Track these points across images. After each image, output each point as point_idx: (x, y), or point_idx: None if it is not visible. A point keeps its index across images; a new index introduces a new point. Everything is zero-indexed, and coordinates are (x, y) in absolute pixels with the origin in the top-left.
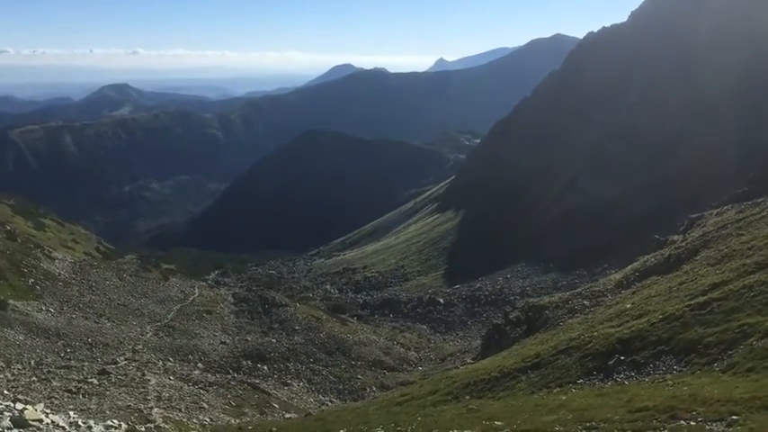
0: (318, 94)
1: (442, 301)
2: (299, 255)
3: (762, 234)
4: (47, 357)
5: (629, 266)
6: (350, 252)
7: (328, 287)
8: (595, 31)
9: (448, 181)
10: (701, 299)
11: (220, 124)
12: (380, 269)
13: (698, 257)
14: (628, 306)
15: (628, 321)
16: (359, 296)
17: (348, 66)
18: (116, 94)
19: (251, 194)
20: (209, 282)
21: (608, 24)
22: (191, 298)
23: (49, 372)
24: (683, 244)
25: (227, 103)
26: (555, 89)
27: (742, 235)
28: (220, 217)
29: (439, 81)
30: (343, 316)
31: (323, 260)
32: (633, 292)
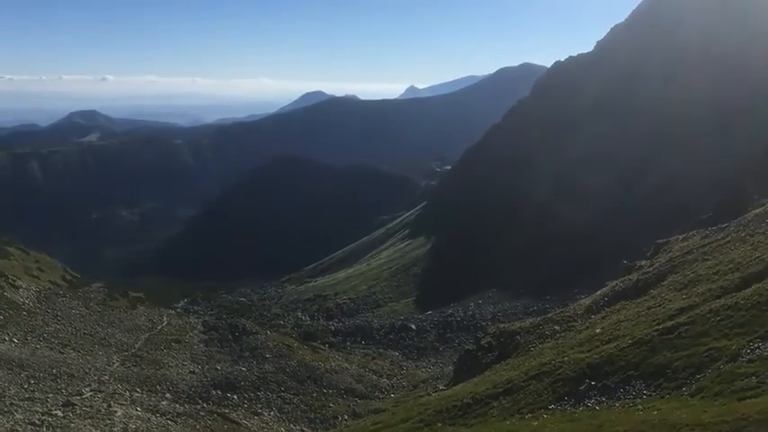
0: (290, 121)
1: (414, 327)
2: (271, 282)
3: (727, 259)
4: (9, 389)
5: (599, 291)
6: (321, 279)
7: (300, 314)
8: (563, 60)
9: (419, 207)
10: (669, 323)
11: (191, 150)
12: (352, 296)
13: (665, 282)
14: (597, 331)
15: (598, 346)
16: (330, 323)
17: (319, 93)
18: (84, 121)
19: (222, 221)
20: (179, 310)
21: (575, 54)
22: (159, 327)
23: (11, 404)
24: (651, 269)
25: (199, 129)
26: (524, 116)
27: (707, 260)
28: (190, 244)
29: (411, 108)
30: (314, 343)
31: (294, 287)
32: (603, 317)
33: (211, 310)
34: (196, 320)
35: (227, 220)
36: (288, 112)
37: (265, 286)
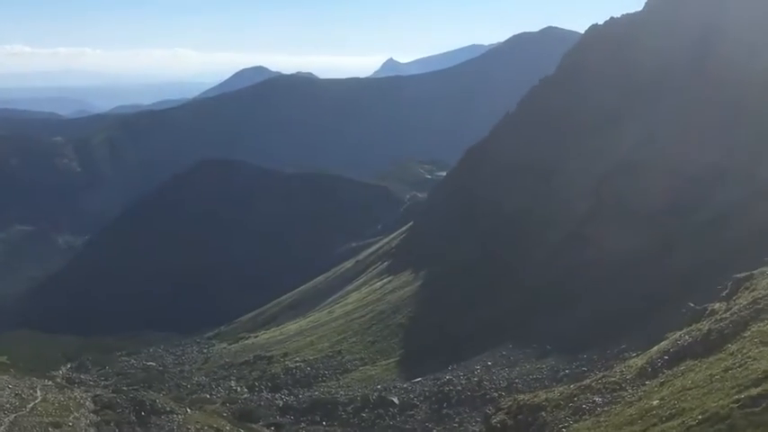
0: (219, 108)
1: (396, 400)
2: (191, 338)
3: None
4: None
5: (655, 347)
6: (264, 333)
7: (233, 384)
8: (601, 23)
9: (403, 230)
10: (754, 391)
11: (77, 153)
12: (308, 357)
13: (747, 333)
14: (655, 403)
15: (656, 424)
16: (277, 396)
17: (261, 69)
18: None
19: (120, 252)
20: (59, 380)
21: (618, 15)
22: (30, 404)
23: None
24: (728, 315)
25: (87, 122)
26: (547, 103)
27: None
28: (76, 285)
29: (388, 90)
30: (255, 425)
31: (225, 345)
32: (661, 383)
33: (106, 379)
34: (84, 395)
35: (128, 250)
36: (216, 96)
37: (184, 345)
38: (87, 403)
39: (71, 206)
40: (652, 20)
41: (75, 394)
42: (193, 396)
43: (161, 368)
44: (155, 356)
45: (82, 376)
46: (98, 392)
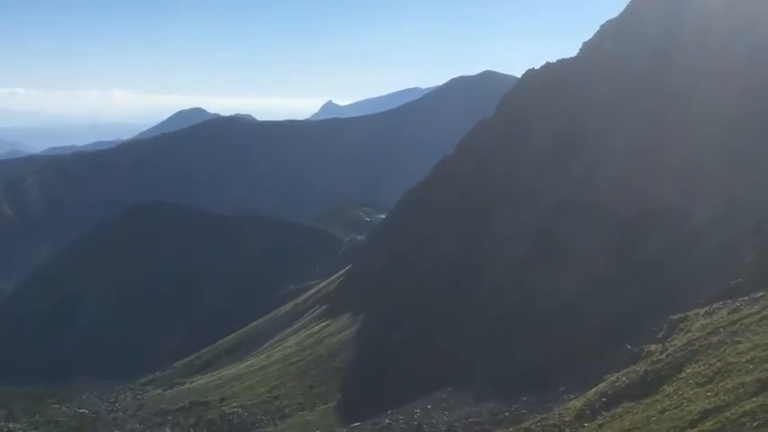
0: (155, 150)
1: None
2: (125, 384)
3: (764, 341)
4: None
5: (594, 389)
6: (201, 378)
7: (168, 431)
8: (537, 67)
9: (342, 273)
10: None
11: (7, 195)
12: (246, 402)
13: (683, 374)
14: None
15: None
16: None
17: (199, 110)
18: None
19: (52, 296)
20: None
21: (554, 60)
22: None
23: None
24: (664, 356)
25: (19, 163)
26: (485, 145)
27: (739, 342)
28: (4, 331)
29: (328, 132)
30: None
31: (161, 391)
32: (600, 426)
33: (36, 428)
34: None
35: (60, 294)
36: (152, 138)
37: (117, 391)
38: None
39: (1, 250)
40: (586, 66)
41: None
42: None
43: (94, 415)
44: (87, 403)
45: (11, 425)
46: None
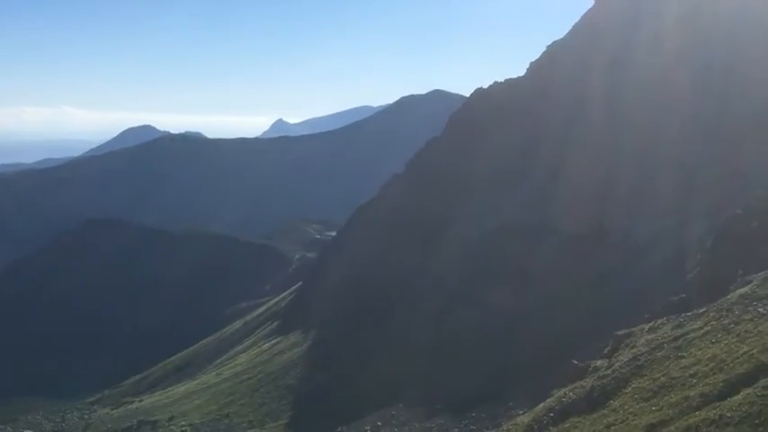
0: (104, 167)
1: None
2: (73, 404)
3: (706, 356)
4: None
5: (541, 405)
6: (149, 397)
7: None
8: (485, 86)
9: (292, 290)
10: None
11: None
12: (195, 420)
13: (628, 389)
14: None
15: None
16: None
17: (148, 128)
18: None
19: None
20: None
21: (501, 79)
22: None
23: None
24: (609, 372)
25: None
26: (435, 163)
27: (682, 357)
28: None
29: (277, 150)
30: None
31: (108, 410)
32: None
33: None
34: None
35: (7, 311)
36: (101, 155)
37: (64, 411)
38: None
39: None
40: (533, 85)
41: None
42: None
43: None
44: (33, 424)
45: None
46: None
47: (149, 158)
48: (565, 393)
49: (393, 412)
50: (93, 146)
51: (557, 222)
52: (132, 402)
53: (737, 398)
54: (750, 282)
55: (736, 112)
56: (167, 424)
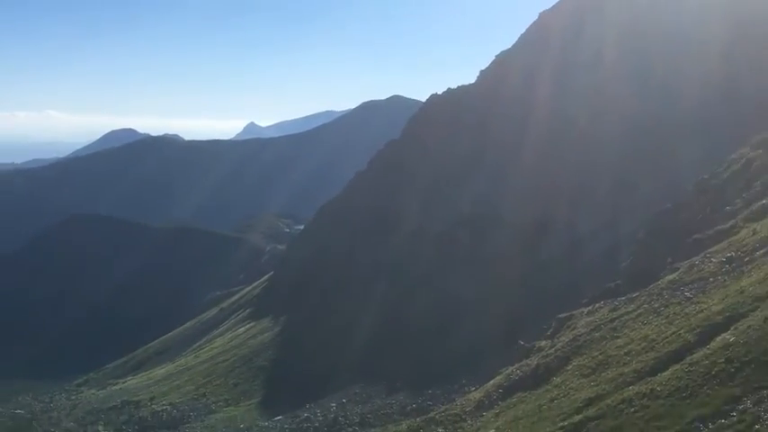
0: (88, 167)
1: None
2: (59, 385)
3: (639, 336)
4: None
5: (491, 381)
6: (132, 379)
7: (101, 429)
8: (440, 92)
9: (264, 279)
10: (576, 418)
11: None
12: (175, 400)
13: (570, 367)
14: None
15: None
16: None
17: (129, 131)
18: None
19: None
20: None
21: (454, 85)
22: None
23: None
24: (552, 351)
25: None
26: (395, 162)
27: (617, 338)
28: None
29: (249, 151)
30: None
31: (94, 391)
32: (497, 414)
33: None
34: None
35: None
36: (86, 155)
37: (52, 392)
38: None
39: None
40: (482, 91)
41: None
42: None
43: (29, 416)
44: (23, 404)
45: None
46: None
47: (132, 159)
48: (512, 371)
49: (356, 390)
50: (79, 147)
51: (505, 215)
52: (116, 384)
53: (666, 373)
54: (677, 269)
55: (667, 117)
56: (149, 404)
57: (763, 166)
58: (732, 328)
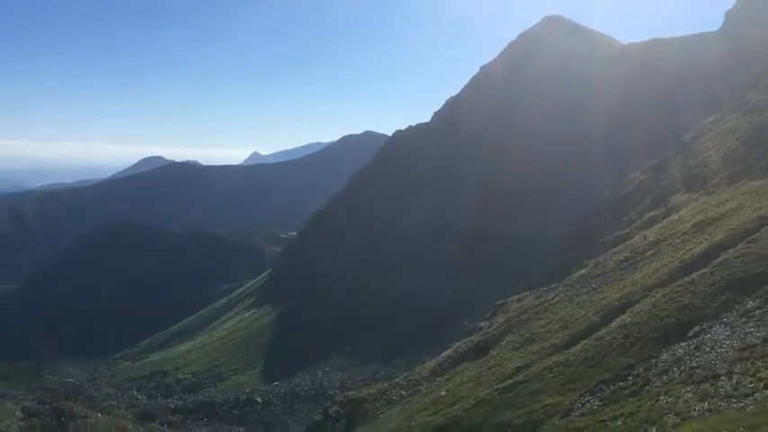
0: (126, 186)
1: (259, 400)
2: (102, 359)
3: (557, 318)
4: None
5: (443, 354)
6: (159, 354)
7: (135, 393)
8: (403, 129)
9: (264, 274)
10: (509, 382)
11: (12, 218)
12: (194, 370)
13: (503, 342)
14: (443, 393)
15: (443, 409)
16: (170, 401)
17: (158, 158)
18: None
19: (46, 294)
20: None
21: (414, 123)
22: None
23: None
24: (490, 330)
25: (20, 195)
26: (368, 184)
27: (540, 319)
28: (7, 320)
29: (253, 174)
30: (152, 424)
31: (129, 364)
32: (447, 379)
33: (32, 393)
34: (14, 406)
35: (52, 292)
36: (124, 177)
37: (96, 364)
38: (17, 413)
39: (5, 261)
40: (436, 128)
41: (7, 406)
42: (103, 404)
43: (77, 383)
44: (73, 374)
45: (12, 392)
46: (26, 404)
47: (161, 180)
48: (459, 346)
49: (337, 361)
50: (118, 170)
51: (453, 225)
52: (147, 357)
53: (578, 347)
54: (586, 266)
55: (582, 147)
56: (174, 373)
57: (651, 186)
58: (628, 312)
